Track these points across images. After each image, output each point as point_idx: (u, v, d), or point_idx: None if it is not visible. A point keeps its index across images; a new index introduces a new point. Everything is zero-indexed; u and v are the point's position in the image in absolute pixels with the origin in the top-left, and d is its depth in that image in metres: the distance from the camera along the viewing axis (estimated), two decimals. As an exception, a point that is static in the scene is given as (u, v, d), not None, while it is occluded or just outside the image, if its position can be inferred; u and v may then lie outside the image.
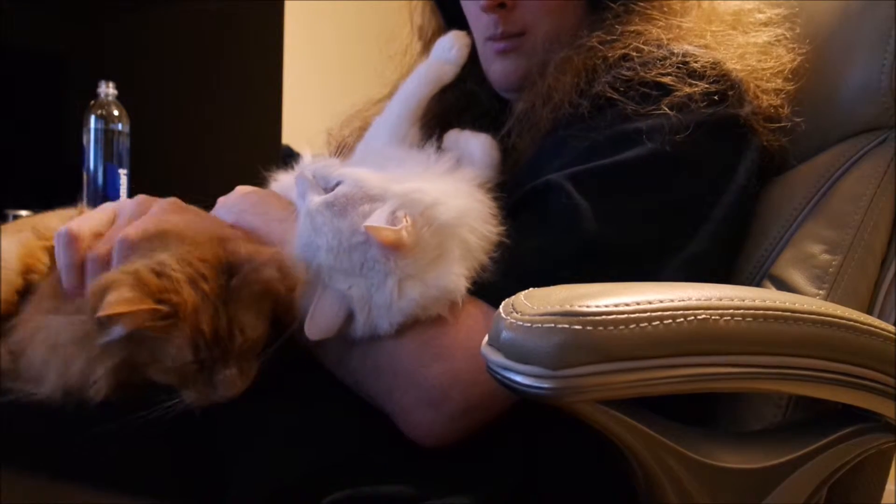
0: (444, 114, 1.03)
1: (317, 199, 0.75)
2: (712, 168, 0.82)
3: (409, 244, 0.71)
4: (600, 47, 0.87)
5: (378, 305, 0.72)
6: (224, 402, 0.70)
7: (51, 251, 0.82)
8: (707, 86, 0.82)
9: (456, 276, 0.73)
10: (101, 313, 0.65)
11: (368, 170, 0.77)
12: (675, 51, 0.85)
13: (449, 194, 0.75)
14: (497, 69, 0.98)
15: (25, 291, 0.81)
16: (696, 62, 0.83)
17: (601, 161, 0.79)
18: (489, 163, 0.89)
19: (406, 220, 0.70)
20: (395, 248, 0.70)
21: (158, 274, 0.69)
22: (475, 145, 0.90)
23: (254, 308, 0.71)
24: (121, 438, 0.71)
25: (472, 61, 1.00)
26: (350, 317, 0.73)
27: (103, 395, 0.69)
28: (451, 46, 0.94)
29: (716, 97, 0.83)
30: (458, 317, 0.73)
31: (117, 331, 0.66)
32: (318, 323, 0.73)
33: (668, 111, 0.80)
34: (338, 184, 0.76)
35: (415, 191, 0.74)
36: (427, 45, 1.06)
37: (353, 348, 0.76)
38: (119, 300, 0.65)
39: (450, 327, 0.73)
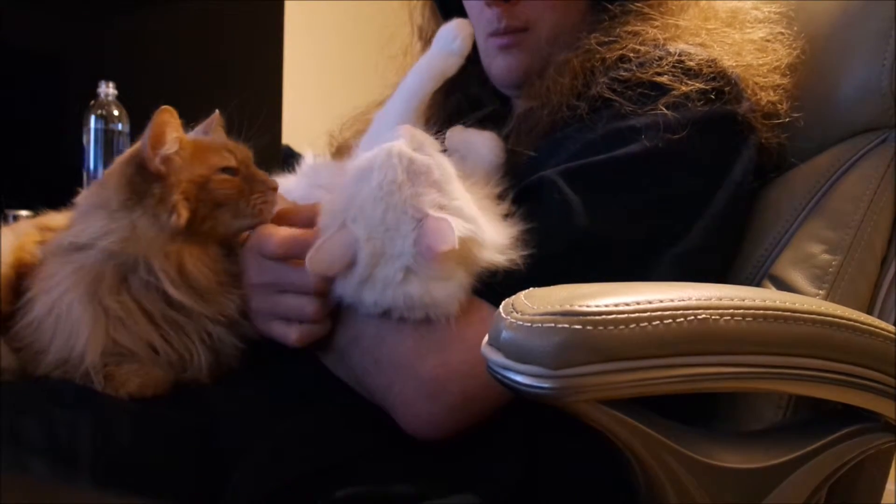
0: (448, 118, 1.02)
1: (405, 146, 0.74)
2: (707, 165, 0.82)
3: (441, 259, 0.70)
4: (598, 49, 0.87)
5: (377, 277, 0.72)
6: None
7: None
8: (703, 84, 0.82)
9: (453, 298, 0.73)
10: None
11: (455, 171, 0.76)
12: (672, 50, 0.85)
13: (497, 244, 0.74)
14: (499, 65, 0.98)
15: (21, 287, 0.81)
16: (691, 60, 0.83)
17: (594, 158, 0.79)
18: (496, 162, 0.88)
19: (456, 244, 0.69)
20: (428, 251, 0.70)
21: None
22: (481, 144, 0.89)
23: None
24: (121, 438, 0.71)
25: (474, 62, 0.99)
26: (349, 267, 0.73)
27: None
28: (454, 37, 0.90)
29: (712, 95, 0.83)
30: None
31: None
32: (322, 257, 0.73)
33: (664, 110, 0.80)
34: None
35: (475, 220, 0.73)
36: (427, 45, 1.06)
37: (355, 345, 0.76)
38: None
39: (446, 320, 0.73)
